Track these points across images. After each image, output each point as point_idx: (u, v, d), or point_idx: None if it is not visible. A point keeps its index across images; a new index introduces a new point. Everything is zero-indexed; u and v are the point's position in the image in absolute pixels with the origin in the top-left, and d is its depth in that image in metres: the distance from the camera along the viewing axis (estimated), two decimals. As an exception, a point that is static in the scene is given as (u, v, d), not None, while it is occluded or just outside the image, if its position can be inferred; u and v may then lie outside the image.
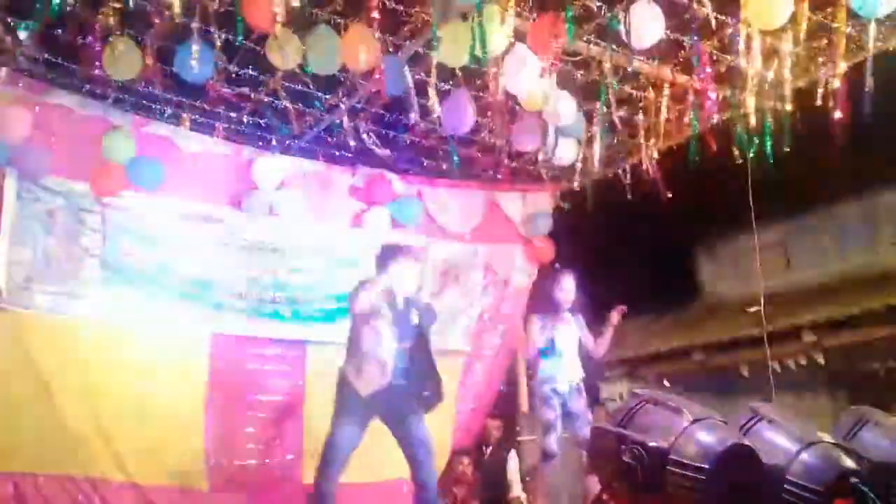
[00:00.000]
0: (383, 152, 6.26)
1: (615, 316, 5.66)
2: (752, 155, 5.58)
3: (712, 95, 5.31)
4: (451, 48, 4.48)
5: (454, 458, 6.54)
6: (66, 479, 5.11)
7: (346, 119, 5.89)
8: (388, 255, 4.72)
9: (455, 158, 6.54)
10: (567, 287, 5.56)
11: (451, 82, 5.37)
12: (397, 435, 4.53)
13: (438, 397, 4.68)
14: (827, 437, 2.80)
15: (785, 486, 2.58)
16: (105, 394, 5.31)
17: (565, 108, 5.31)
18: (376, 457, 5.98)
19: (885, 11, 4.39)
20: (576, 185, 6.79)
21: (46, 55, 5.13)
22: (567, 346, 5.49)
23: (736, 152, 5.59)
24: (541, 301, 5.65)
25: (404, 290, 4.66)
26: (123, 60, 4.68)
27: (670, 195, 6.18)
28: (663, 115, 5.84)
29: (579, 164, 6.46)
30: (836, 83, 4.94)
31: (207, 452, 5.64)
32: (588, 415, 5.43)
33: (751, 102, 5.47)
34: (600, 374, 6.84)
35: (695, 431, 2.48)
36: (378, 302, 4.51)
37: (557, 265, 6.15)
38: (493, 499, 6.42)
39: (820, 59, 5.38)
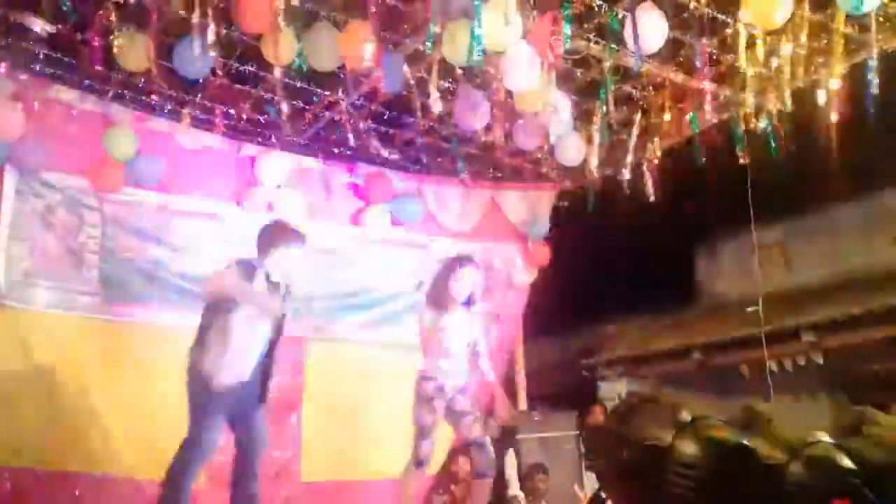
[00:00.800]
0: (376, 146, 6.15)
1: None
2: (751, 155, 5.59)
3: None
4: (452, 47, 4.47)
5: (453, 457, 6.53)
6: (66, 474, 5.12)
7: (345, 116, 5.88)
8: (272, 237, 4.35)
9: (460, 158, 6.56)
10: (464, 278, 4.82)
11: (451, 80, 5.37)
12: (238, 429, 4.20)
13: (264, 397, 4.33)
14: (826, 438, 2.80)
15: (783, 486, 2.58)
16: (103, 390, 5.31)
17: (562, 108, 5.30)
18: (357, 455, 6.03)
19: (867, 8, 4.37)
20: (577, 183, 6.79)
21: (47, 51, 5.12)
22: (454, 343, 4.80)
23: (736, 152, 5.59)
24: (435, 291, 4.83)
25: (279, 277, 4.30)
26: (133, 50, 4.65)
27: (670, 193, 6.18)
28: (666, 115, 5.84)
29: (579, 164, 6.47)
30: (835, 83, 4.94)
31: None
32: (476, 412, 4.81)
33: (750, 102, 5.49)
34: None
35: (693, 431, 2.48)
36: (244, 288, 4.11)
37: (457, 254, 5.27)
38: (491, 497, 6.41)
39: (819, 60, 5.36)
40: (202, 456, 4.04)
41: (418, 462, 4.61)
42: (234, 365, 4.08)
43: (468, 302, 4.89)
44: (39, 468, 5.04)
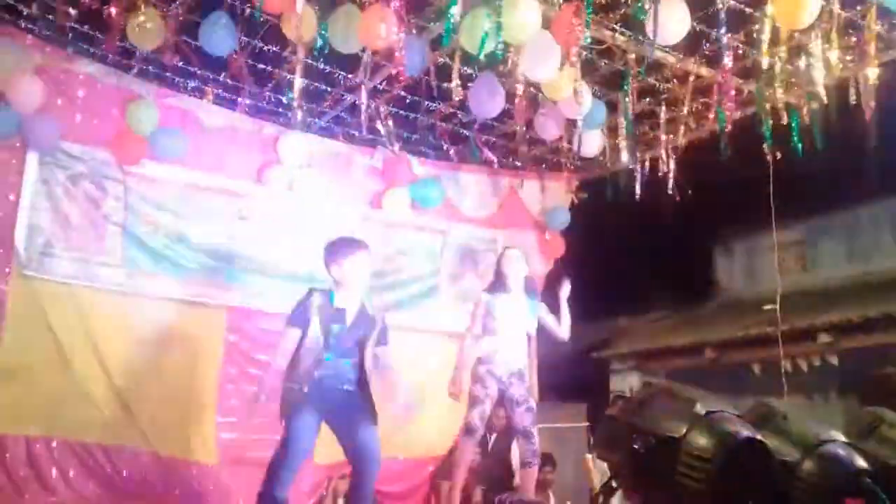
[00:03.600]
0: (387, 136, 6.13)
1: (566, 288, 5.21)
2: (775, 152, 5.54)
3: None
4: (471, 35, 4.45)
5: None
6: (79, 444, 5.17)
7: (365, 100, 5.88)
8: (333, 251, 4.30)
9: (475, 147, 6.54)
10: (514, 262, 5.01)
11: (474, 66, 5.35)
12: (346, 442, 4.15)
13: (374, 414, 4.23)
14: (840, 437, 2.79)
15: (796, 482, 2.58)
16: (120, 362, 5.35)
17: (583, 98, 5.26)
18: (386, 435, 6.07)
19: None
20: (597, 174, 6.76)
21: (72, 24, 5.15)
22: (509, 326, 4.94)
23: (759, 149, 5.54)
24: (492, 278, 5.09)
25: (355, 291, 4.27)
26: (146, 29, 4.67)
27: (690, 189, 6.13)
28: (685, 106, 5.80)
29: (599, 156, 6.45)
30: (872, 74, 4.87)
31: (218, 426, 5.68)
32: (531, 402, 4.91)
33: (776, 98, 5.44)
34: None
35: (707, 424, 2.48)
36: (321, 315, 4.13)
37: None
38: (497, 485, 6.42)
39: (848, 58, 5.30)
40: (291, 458, 4.02)
41: (467, 430, 4.81)
42: (315, 381, 4.08)
43: (529, 288, 5.11)
44: (55, 437, 5.09)
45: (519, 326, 5.02)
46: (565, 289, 5.28)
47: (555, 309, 5.26)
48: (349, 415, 4.11)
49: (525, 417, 4.86)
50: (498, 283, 5.02)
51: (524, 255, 5.18)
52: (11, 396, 4.92)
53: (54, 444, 5.09)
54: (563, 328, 5.25)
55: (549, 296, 5.49)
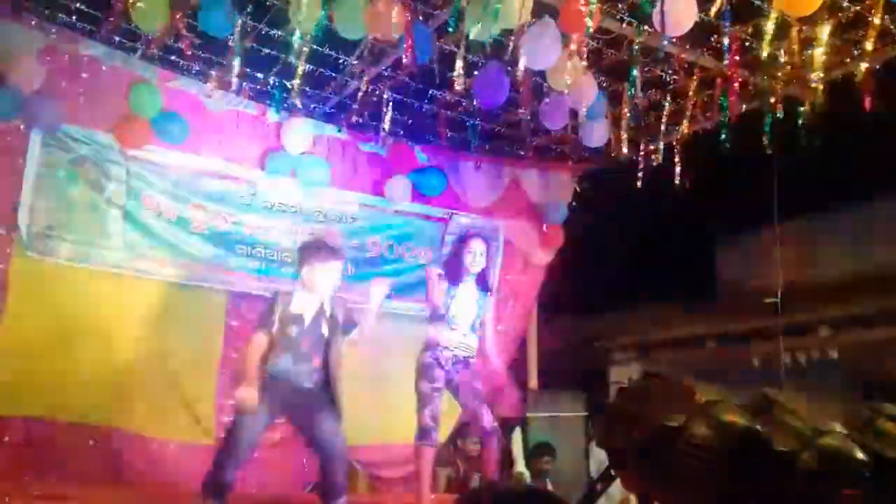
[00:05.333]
0: (391, 117, 6.10)
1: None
2: (779, 146, 5.52)
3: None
4: (473, 21, 4.43)
5: (462, 432, 6.58)
6: (81, 425, 5.19)
7: (369, 86, 5.86)
8: (309, 253, 4.33)
9: (475, 136, 6.53)
10: (475, 251, 4.81)
11: (479, 55, 5.33)
12: (307, 434, 4.23)
13: (338, 410, 4.25)
14: (839, 428, 2.79)
15: (794, 473, 2.58)
16: (121, 345, 5.37)
17: (587, 88, 5.24)
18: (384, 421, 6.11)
19: None
20: (601, 165, 6.75)
21: (78, 5, 5.13)
22: (462, 314, 4.76)
23: (764, 142, 5.52)
24: (448, 262, 4.86)
25: (319, 295, 4.28)
26: (148, 10, 4.64)
27: (694, 181, 6.12)
28: (690, 98, 5.77)
29: (604, 146, 6.43)
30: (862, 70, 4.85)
31: (218, 408, 5.71)
32: (477, 385, 4.76)
33: (781, 91, 5.42)
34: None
35: (707, 413, 2.48)
36: (281, 320, 4.17)
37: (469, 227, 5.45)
38: (497, 475, 6.45)
39: (854, 52, 5.28)
40: (235, 450, 4.08)
41: (420, 434, 4.58)
42: (273, 387, 4.11)
43: (481, 280, 4.88)
44: (56, 418, 5.11)
45: (470, 316, 4.81)
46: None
47: None
48: (310, 413, 4.15)
49: (473, 404, 4.72)
50: (454, 269, 4.81)
51: (483, 242, 4.94)
52: (12, 377, 4.93)
53: (54, 425, 5.11)
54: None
55: (548, 285, 5.47)
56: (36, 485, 4.62)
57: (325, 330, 4.26)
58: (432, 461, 4.73)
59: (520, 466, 6.65)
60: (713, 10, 4.63)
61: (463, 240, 4.95)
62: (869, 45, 4.87)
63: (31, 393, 5.03)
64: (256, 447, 4.27)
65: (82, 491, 4.72)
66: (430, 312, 4.83)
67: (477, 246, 4.85)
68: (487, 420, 4.73)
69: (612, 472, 2.66)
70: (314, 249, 4.35)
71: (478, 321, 4.88)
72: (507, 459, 6.63)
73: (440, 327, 4.73)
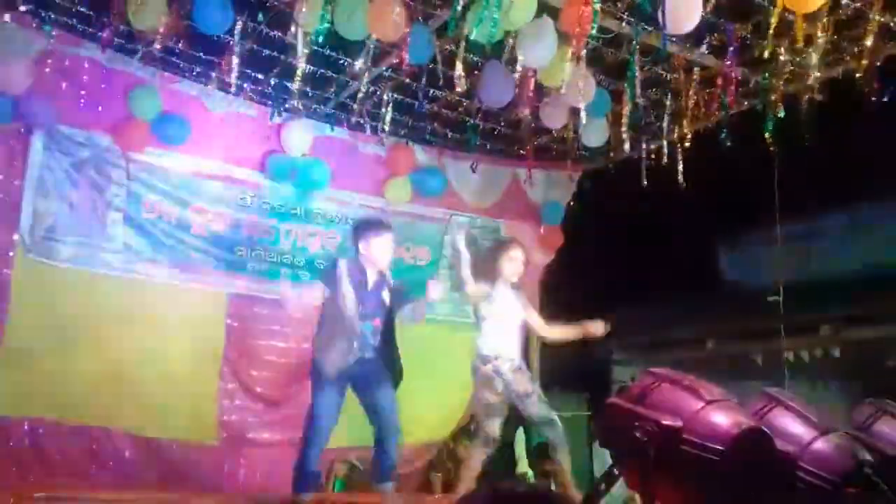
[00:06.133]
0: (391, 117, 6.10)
1: (596, 328, 5.02)
2: (780, 145, 5.52)
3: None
4: (476, 23, 4.43)
5: (458, 436, 6.59)
6: (81, 426, 5.20)
7: (368, 87, 5.86)
8: (363, 229, 4.62)
9: (475, 135, 6.52)
10: (514, 260, 4.92)
11: (480, 55, 5.32)
12: (365, 403, 4.49)
13: (399, 377, 4.64)
14: (842, 427, 2.80)
15: (798, 472, 2.58)
16: (122, 346, 5.37)
17: (586, 87, 5.23)
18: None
19: None
20: (601, 165, 6.75)
21: (80, 7, 5.13)
22: (511, 322, 4.89)
23: (765, 140, 5.52)
24: (486, 270, 4.88)
25: (378, 266, 4.55)
26: (146, 10, 4.64)
27: (694, 180, 6.12)
28: (690, 97, 5.77)
29: (604, 145, 6.43)
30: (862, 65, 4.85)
31: (220, 409, 5.72)
32: (538, 391, 4.87)
33: (782, 90, 5.42)
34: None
35: (710, 412, 2.48)
36: (351, 277, 4.44)
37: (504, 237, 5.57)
38: (500, 474, 6.45)
39: (855, 49, 5.27)
40: (322, 435, 4.35)
41: (486, 441, 4.73)
42: (339, 349, 4.36)
43: (515, 288, 4.99)
44: (59, 420, 5.13)
45: (516, 322, 4.91)
46: (595, 329, 5.06)
47: None
48: (369, 384, 4.42)
49: (540, 407, 4.75)
50: (492, 277, 4.87)
51: (525, 251, 5.08)
52: (15, 379, 4.96)
53: (57, 426, 5.12)
54: (552, 331, 5.16)
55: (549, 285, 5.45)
56: (39, 486, 4.62)
57: (385, 297, 4.53)
58: (480, 468, 4.83)
59: (523, 467, 6.66)
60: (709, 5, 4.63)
61: (502, 247, 5.07)
62: (869, 42, 4.87)
63: (34, 394, 5.05)
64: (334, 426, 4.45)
65: (86, 492, 4.73)
66: (476, 322, 4.91)
67: (517, 253, 4.94)
68: (559, 428, 4.79)
69: (616, 472, 2.65)
70: (367, 224, 4.67)
71: (520, 323, 4.96)
72: (510, 459, 6.64)
73: (491, 336, 4.82)
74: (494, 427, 4.71)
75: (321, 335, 4.46)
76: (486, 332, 4.80)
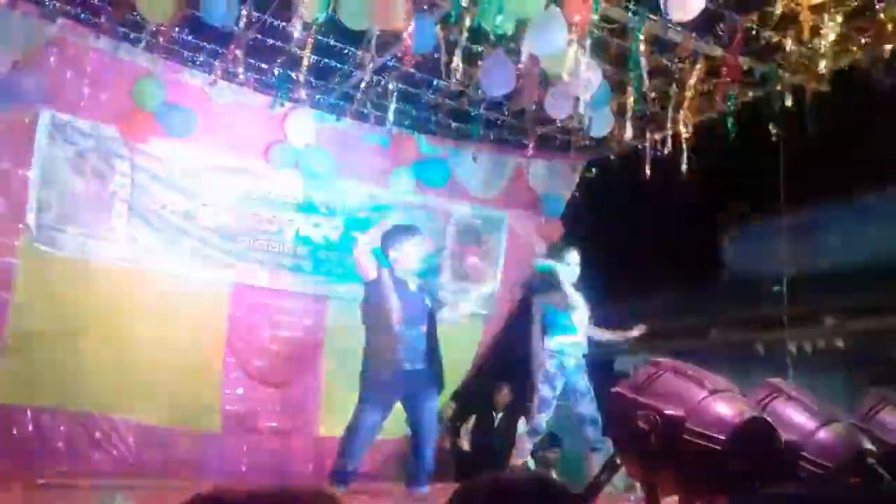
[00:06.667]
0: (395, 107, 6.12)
1: (637, 332, 5.50)
2: (785, 135, 5.51)
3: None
4: (486, 12, 4.42)
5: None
6: (86, 415, 5.23)
7: (371, 77, 5.84)
8: (394, 234, 4.69)
9: (477, 125, 6.50)
10: (574, 262, 5.33)
11: (484, 44, 5.30)
12: (411, 415, 4.57)
13: (442, 386, 4.75)
14: (845, 417, 2.79)
15: (800, 462, 2.58)
16: (127, 336, 5.40)
17: (591, 77, 5.21)
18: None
19: None
20: (605, 155, 6.73)
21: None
22: (579, 322, 5.27)
23: (770, 130, 5.50)
24: (550, 290, 5.29)
25: (412, 271, 4.64)
26: (157, 2, 4.63)
27: (699, 170, 6.10)
28: (695, 87, 5.74)
29: (608, 135, 6.41)
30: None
31: (224, 398, 5.74)
32: (592, 391, 5.19)
33: (787, 80, 5.40)
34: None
35: (713, 402, 2.47)
36: (393, 284, 4.49)
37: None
38: (501, 463, 6.46)
39: (863, 40, 5.24)
40: (362, 440, 4.45)
41: (533, 432, 5.14)
42: (391, 357, 4.43)
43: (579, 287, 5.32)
44: (63, 408, 5.15)
45: (582, 321, 5.24)
46: (636, 333, 5.50)
47: None
48: (416, 392, 4.50)
49: (590, 407, 5.04)
50: (553, 291, 5.20)
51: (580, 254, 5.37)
52: (20, 367, 4.98)
53: (62, 415, 5.15)
54: (601, 333, 5.51)
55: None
56: (43, 473, 4.65)
57: (427, 302, 4.66)
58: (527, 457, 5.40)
59: (524, 455, 6.66)
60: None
61: (562, 252, 5.40)
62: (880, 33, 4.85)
63: (39, 383, 5.07)
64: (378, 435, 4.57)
65: (90, 480, 4.75)
66: (542, 320, 5.26)
67: (573, 257, 5.26)
68: (592, 411, 5.09)
69: (617, 461, 2.65)
70: (398, 230, 4.79)
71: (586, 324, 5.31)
72: (512, 448, 6.65)
73: (564, 336, 5.16)
74: (543, 421, 5.07)
75: (367, 347, 4.48)
76: (556, 330, 5.15)
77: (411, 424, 4.60)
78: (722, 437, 2.37)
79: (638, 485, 3.76)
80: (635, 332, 5.45)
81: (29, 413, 5.06)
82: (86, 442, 5.23)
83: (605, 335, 5.50)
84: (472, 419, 7.36)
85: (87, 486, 4.64)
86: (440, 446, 7.00)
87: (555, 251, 5.51)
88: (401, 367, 4.40)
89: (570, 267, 5.25)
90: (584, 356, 5.28)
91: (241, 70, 5.33)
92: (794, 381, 6.38)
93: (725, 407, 2.43)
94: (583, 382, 5.12)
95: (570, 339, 5.16)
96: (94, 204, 5.38)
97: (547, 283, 5.08)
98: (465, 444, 7.33)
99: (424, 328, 4.55)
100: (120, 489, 4.81)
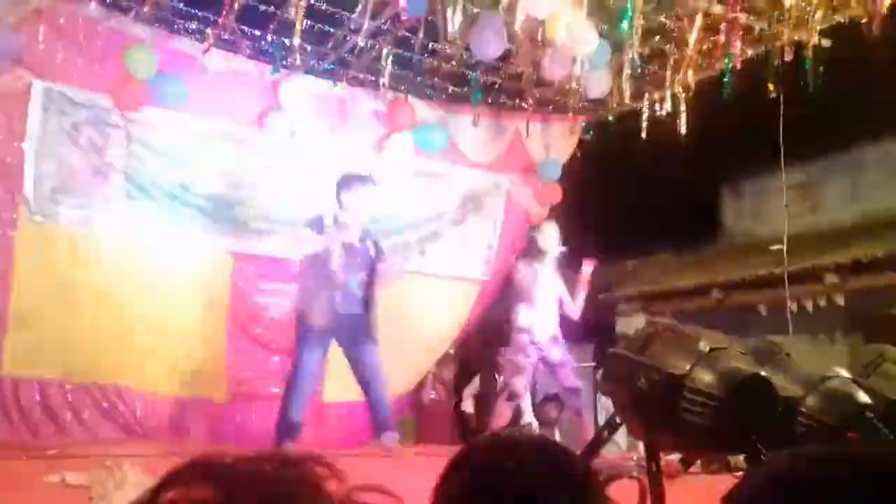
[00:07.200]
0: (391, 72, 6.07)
1: (586, 271, 5.51)
2: (783, 92, 5.47)
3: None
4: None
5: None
6: (92, 385, 5.27)
7: (368, 41, 5.78)
8: (349, 181, 4.70)
9: (477, 89, 6.44)
10: (549, 236, 5.33)
11: (479, 6, 5.24)
12: (350, 357, 4.62)
13: (376, 332, 4.74)
14: (843, 373, 2.81)
15: (799, 418, 2.61)
16: (128, 306, 5.42)
17: (588, 37, 5.16)
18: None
19: None
20: (603, 116, 6.68)
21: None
22: (545, 295, 5.27)
23: (769, 87, 5.46)
24: (528, 249, 5.39)
25: (362, 219, 4.66)
26: None
27: (698, 129, 6.07)
28: (694, 45, 5.68)
29: (607, 96, 6.36)
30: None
31: (227, 366, 5.78)
32: (571, 363, 5.27)
33: (786, 36, 5.34)
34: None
35: (711, 361, 2.49)
36: (338, 229, 4.51)
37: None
38: (505, 425, 6.53)
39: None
40: (305, 387, 4.51)
41: (511, 396, 5.17)
42: (324, 304, 4.45)
43: (556, 260, 5.36)
44: (65, 378, 5.19)
45: (553, 295, 5.27)
46: (586, 271, 5.48)
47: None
48: (356, 340, 4.55)
49: (569, 377, 5.16)
50: (534, 255, 5.25)
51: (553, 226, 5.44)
52: (24, 341, 5.01)
53: (68, 386, 5.19)
54: (575, 306, 5.48)
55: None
56: (51, 444, 4.69)
57: (371, 251, 4.67)
58: (506, 422, 5.39)
59: (528, 417, 6.73)
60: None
61: (540, 224, 5.48)
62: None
63: (43, 354, 5.11)
64: (318, 381, 4.67)
65: (97, 449, 4.80)
66: (518, 295, 5.24)
67: (553, 231, 5.29)
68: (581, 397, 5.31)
69: (618, 420, 2.68)
70: (352, 177, 4.76)
71: (557, 298, 5.33)
72: (516, 410, 6.71)
73: (529, 308, 5.17)
74: (519, 384, 5.10)
75: (306, 288, 4.51)
76: (526, 305, 5.15)
77: (357, 373, 4.63)
78: (720, 395, 2.40)
79: (639, 443, 3.81)
80: (585, 274, 5.46)
81: (35, 384, 5.09)
82: (93, 412, 5.27)
83: (576, 304, 5.49)
84: (475, 381, 7.42)
85: (96, 454, 4.68)
86: (444, 409, 7.10)
87: (535, 226, 5.53)
88: (336, 311, 4.44)
89: (549, 240, 5.26)
90: (557, 331, 5.32)
91: (233, 37, 5.27)
92: (794, 339, 6.43)
93: (723, 365, 2.46)
94: (557, 353, 5.15)
95: (541, 312, 5.17)
96: (91, 175, 5.36)
97: (533, 250, 5.13)
98: (469, 407, 7.39)
99: (364, 276, 4.58)
100: (129, 458, 4.86)
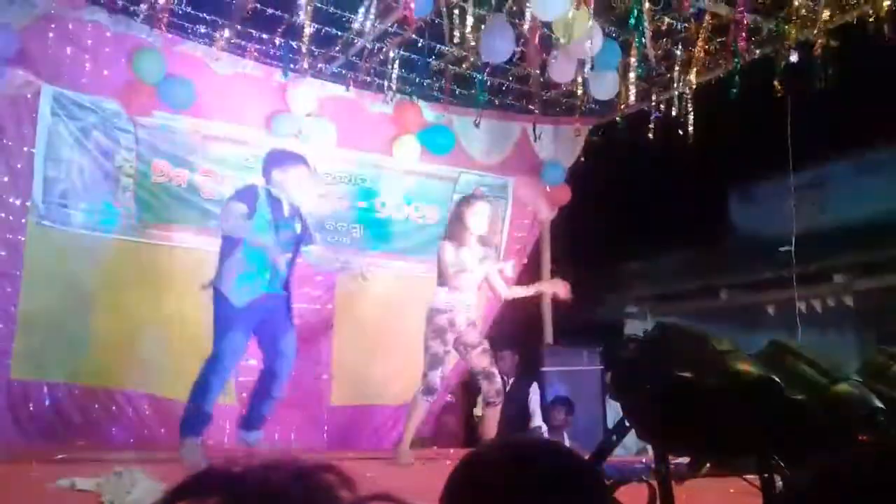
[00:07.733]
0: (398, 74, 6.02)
1: (554, 287, 5.32)
2: (791, 93, 5.45)
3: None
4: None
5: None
6: (101, 389, 5.28)
7: (376, 44, 5.80)
8: (280, 157, 4.48)
9: (482, 91, 6.45)
10: (479, 215, 4.87)
11: (486, 8, 5.25)
12: (266, 343, 4.38)
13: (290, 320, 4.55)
14: (854, 375, 2.79)
15: (808, 421, 2.59)
16: (138, 309, 5.44)
17: (596, 39, 5.15)
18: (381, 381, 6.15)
19: None
20: (610, 118, 6.68)
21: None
22: (471, 277, 4.89)
23: (776, 88, 5.45)
24: (453, 227, 4.92)
25: (293, 198, 4.41)
26: None
27: (705, 130, 6.06)
28: (701, 46, 5.68)
29: (614, 98, 6.36)
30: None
31: (237, 370, 5.77)
32: (485, 344, 4.94)
33: (794, 37, 5.33)
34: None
35: (720, 363, 2.48)
36: (269, 204, 4.28)
37: (478, 190, 5.57)
38: (515, 429, 6.52)
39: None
40: (221, 372, 4.22)
41: (427, 390, 4.77)
42: (245, 282, 4.23)
43: (485, 240, 5.00)
44: (74, 382, 5.21)
45: (476, 277, 4.92)
46: (553, 290, 5.36)
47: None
48: (276, 322, 4.33)
49: (482, 359, 4.88)
50: (458, 233, 4.86)
51: (493, 208, 5.15)
52: (33, 344, 5.04)
53: (76, 390, 5.21)
54: (510, 292, 5.29)
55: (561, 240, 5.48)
56: (60, 448, 4.70)
57: (297, 228, 4.45)
58: (424, 416, 5.07)
59: (537, 421, 6.72)
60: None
61: (467, 201, 4.97)
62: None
63: (52, 358, 5.13)
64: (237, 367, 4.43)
65: (106, 454, 4.81)
66: (438, 276, 4.88)
67: (482, 207, 4.90)
68: (497, 381, 4.93)
69: (627, 423, 2.67)
70: (284, 154, 4.57)
71: (482, 282, 5.02)
72: (524, 414, 6.70)
73: (449, 290, 4.81)
74: (437, 377, 4.77)
75: (229, 264, 4.21)
76: (445, 285, 4.82)
77: (266, 357, 4.41)
78: (729, 398, 2.38)
79: (648, 446, 3.79)
80: (554, 287, 5.33)
81: (44, 388, 5.11)
82: (102, 415, 5.29)
83: (514, 292, 5.32)
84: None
85: (104, 459, 4.69)
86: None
87: (465, 200, 5.08)
88: (259, 291, 4.21)
89: (477, 218, 4.87)
90: (476, 315, 5.13)
91: (241, 41, 5.29)
92: (803, 341, 6.41)
93: (733, 367, 2.44)
94: (473, 336, 4.89)
95: (460, 294, 4.83)
96: (100, 179, 5.39)
97: (457, 228, 4.79)
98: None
99: (290, 255, 4.38)
100: (139, 462, 4.87)
